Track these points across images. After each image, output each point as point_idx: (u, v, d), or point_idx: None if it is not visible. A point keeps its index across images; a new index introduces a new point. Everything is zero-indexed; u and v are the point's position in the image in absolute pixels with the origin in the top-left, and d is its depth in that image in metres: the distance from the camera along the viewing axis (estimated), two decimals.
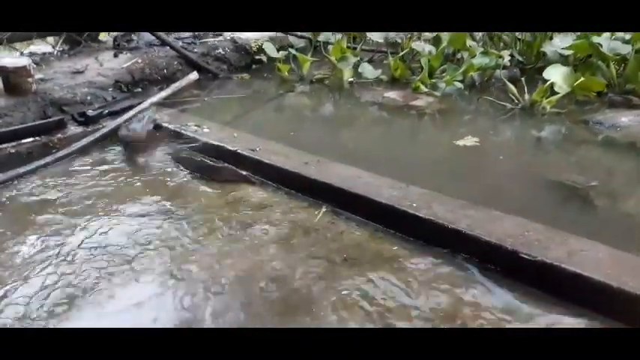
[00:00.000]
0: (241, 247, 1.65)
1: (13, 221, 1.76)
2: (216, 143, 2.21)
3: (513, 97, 2.86)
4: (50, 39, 3.12)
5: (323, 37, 3.59)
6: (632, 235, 1.68)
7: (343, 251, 1.62)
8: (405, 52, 3.41)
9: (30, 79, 2.40)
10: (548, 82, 2.77)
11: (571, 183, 2.00)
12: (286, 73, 3.31)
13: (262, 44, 3.46)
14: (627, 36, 3.02)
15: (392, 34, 3.51)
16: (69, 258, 1.58)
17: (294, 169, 1.97)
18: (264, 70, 3.45)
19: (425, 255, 1.59)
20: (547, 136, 2.53)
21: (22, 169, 2.00)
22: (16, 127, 2.22)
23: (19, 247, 1.62)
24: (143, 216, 1.80)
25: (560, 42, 3.22)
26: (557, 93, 2.77)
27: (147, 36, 3.24)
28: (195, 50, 3.31)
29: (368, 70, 3.29)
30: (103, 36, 3.29)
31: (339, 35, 3.61)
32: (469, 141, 2.40)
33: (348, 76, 3.24)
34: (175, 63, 3.13)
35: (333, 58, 3.33)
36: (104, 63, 2.90)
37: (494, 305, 1.39)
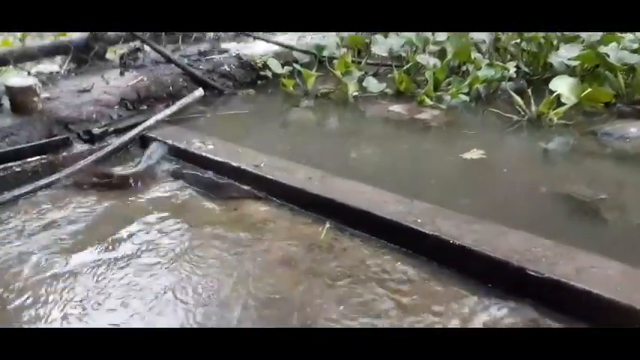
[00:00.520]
0: (242, 264, 1.63)
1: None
2: (220, 159, 2.21)
3: (520, 109, 2.84)
4: (57, 58, 3.15)
5: (327, 52, 3.60)
6: None
7: (346, 268, 1.59)
8: (409, 65, 3.40)
9: (36, 99, 2.43)
10: (555, 94, 2.74)
11: (579, 196, 1.96)
12: (291, 89, 3.32)
13: (267, 60, 3.47)
14: (635, 45, 2.99)
15: (396, 47, 3.51)
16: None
17: (297, 184, 1.96)
18: (269, 86, 3.46)
19: (430, 271, 1.56)
20: (554, 148, 2.50)
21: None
22: (22, 145, 2.23)
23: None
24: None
25: (567, 52, 3.19)
26: (564, 104, 2.74)
27: (152, 54, 3.27)
28: (201, 67, 3.33)
29: (373, 84, 3.29)
30: (110, 54, 3.32)
31: (343, 50, 3.62)
32: (475, 154, 2.38)
33: (352, 90, 3.23)
34: (181, 80, 3.15)
35: (337, 73, 3.33)
36: (110, 81, 2.92)
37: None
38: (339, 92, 3.28)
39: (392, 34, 3.67)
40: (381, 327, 1.33)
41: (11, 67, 2.86)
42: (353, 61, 3.52)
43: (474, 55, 3.33)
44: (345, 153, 2.46)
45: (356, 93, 3.24)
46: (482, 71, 3.12)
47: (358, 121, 2.97)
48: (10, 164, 2.15)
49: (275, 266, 1.62)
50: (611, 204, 1.91)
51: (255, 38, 3.79)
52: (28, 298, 1.49)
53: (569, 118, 2.72)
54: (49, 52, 3.11)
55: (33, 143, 2.27)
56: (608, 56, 2.88)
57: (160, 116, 2.62)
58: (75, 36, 3.20)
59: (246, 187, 2.06)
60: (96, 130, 2.46)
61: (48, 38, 3.31)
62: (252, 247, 1.72)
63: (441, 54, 3.38)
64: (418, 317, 1.40)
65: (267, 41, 3.70)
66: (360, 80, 3.31)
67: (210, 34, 3.92)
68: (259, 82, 3.53)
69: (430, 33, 3.54)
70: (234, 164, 2.15)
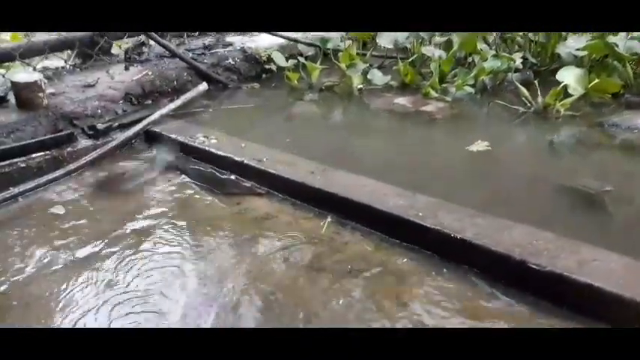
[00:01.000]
0: (245, 258, 1.63)
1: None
2: (222, 154, 2.21)
3: (526, 101, 2.80)
4: (63, 53, 3.16)
5: (332, 44, 3.58)
6: None
7: (347, 263, 1.59)
8: (414, 57, 3.37)
9: (41, 94, 2.44)
10: (562, 85, 2.70)
11: (585, 188, 1.94)
12: (296, 82, 3.30)
13: (271, 54, 3.46)
14: None
15: (401, 39, 3.47)
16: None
17: (299, 179, 1.95)
18: (273, 80, 3.45)
19: (431, 265, 1.56)
20: (560, 140, 2.47)
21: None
22: (27, 141, 2.25)
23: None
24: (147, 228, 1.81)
25: (575, 43, 3.15)
26: (572, 95, 2.70)
27: (157, 48, 3.27)
28: (205, 61, 3.32)
29: (377, 77, 3.26)
30: (115, 49, 3.33)
31: (348, 42, 3.59)
32: (480, 146, 2.36)
33: (357, 82, 3.21)
34: (185, 74, 3.15)
35: (342, 65, 3.31)
36: (115, 76, 2.93)
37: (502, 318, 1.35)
38: (343, 85, 3.27)
39: None
40: (381, 327, 1.32)
41: (17, 62, 2.87)
42: (358, 54, 3.49)
43: (481, 46, 3.29)
44: (349, 146, 2.44)
45: (361, 86, 3.22)
46: (488, 62, 3.08)
47: (363, 113, 2.95)
48: (15, 160, 2.16)
49: (276, 260, 1.62)
50: (617, 196, 1.88)
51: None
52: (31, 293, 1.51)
53: (576, 109, 2.68)
54: (55, 47, 3.12)
55: (37, 139, 2.28)
56: (617, 46, 2.83)
57: (164, 111, 2.62)
58: None
59: (248, 183, 2.06)
60: (100, 126, 2.47)
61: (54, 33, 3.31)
62: (254, 241, 1.72)
63: (447, 45, 3.34)
64: (419, 312, 1.39)
65: (272, 34, 3.69)
66: (365, 73, 3.29)
67: None
68: (264, 75, 3.51)
69: None
70: (237, 159, 2.15)
